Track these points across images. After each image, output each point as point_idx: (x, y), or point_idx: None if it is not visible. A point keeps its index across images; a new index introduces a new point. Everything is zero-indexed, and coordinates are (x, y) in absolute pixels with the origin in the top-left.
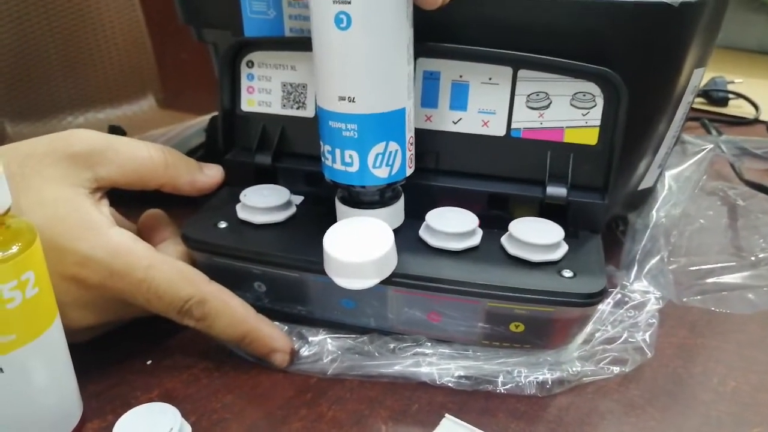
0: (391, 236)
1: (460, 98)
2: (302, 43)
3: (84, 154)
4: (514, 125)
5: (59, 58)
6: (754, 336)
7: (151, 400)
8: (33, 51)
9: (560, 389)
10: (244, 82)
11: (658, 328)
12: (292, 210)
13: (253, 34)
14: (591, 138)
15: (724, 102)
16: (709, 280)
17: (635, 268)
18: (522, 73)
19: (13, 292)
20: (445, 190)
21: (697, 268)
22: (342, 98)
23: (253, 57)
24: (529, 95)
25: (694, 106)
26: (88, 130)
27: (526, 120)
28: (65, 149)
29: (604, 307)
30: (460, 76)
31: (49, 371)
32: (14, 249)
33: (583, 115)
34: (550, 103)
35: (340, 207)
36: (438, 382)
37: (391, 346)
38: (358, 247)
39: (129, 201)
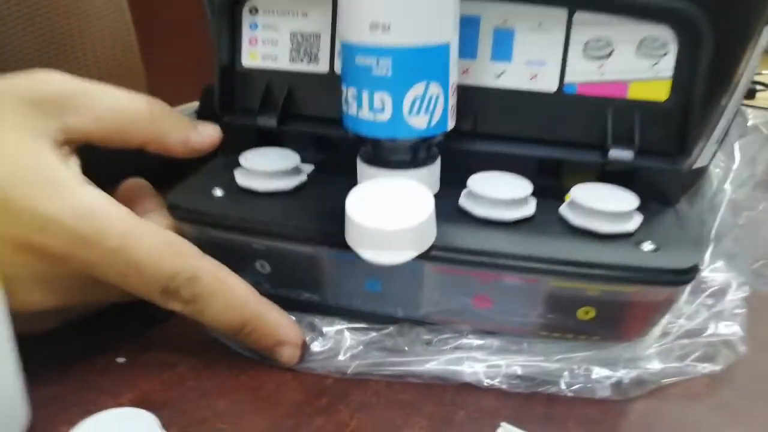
0: (431, 200)
1: (503, 47)
2: None
3: (52, 100)
4: (568, 79)
5: (41, 60)
6: None
7: (121, 406)
8: (13, 51)
9: (639, 392)
10: (246, 33)
11: (747, 319)
12: (303, 177)
13: None
14: (661, 93)
15: (751, 94)
16: None
17: (710, 249)
18: (578, 16)
19: None
20: (485, 156)
21: None
22: (374, 26)
23: (257, 2)
24: (586, 43)
25: None
26: (58, 72)
27: (582, 72)
28: (29, 92)
29: None
30: (504, 21)
31: None
32: None
33: (653, 65)
34: (612, 51)
35: (363, 169)
36: (485, 384)
37: (426, 338)
38: (390, 212)
39: (103, 176)
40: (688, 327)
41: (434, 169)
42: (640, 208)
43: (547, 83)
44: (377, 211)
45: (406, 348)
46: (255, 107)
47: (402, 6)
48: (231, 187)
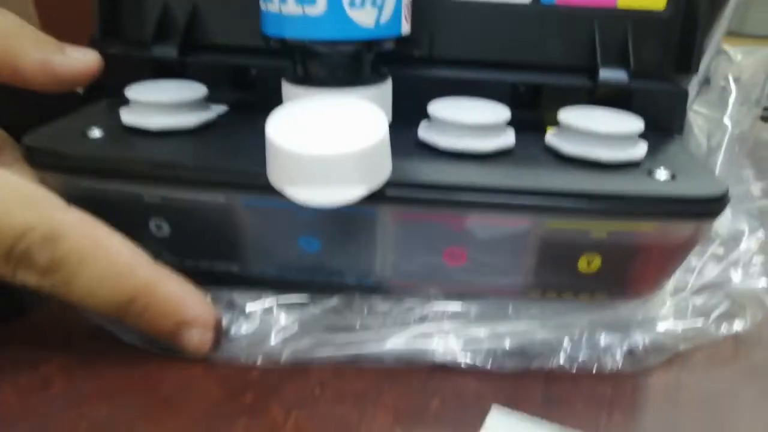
0: (383, 119)
1: None
2: None
3: None
4: None
5: None
6: None
7: None
8: None
9: (658, 360)
10: None
11: None
12: (210, 114)
13: None
14: (657, 1)
15: None
16: None
17: None
18: None
19: None
20: (445, 84)
21: None
22: None
23: None
24: None
25: None
26: None
27: None
28: None
29: None
30: None
31: None
32: None
33: None
34: None
35: (290, 91)
36: (463, 363)
37: (382, 308)
38: (328, 135)
39: None
40: (704, 280)
41: (385, 91)
42: (641, 135)
43: None
44: (311, 134)
45: (357, 324)
46: (149, 35)
47: None
48: (114, 126)
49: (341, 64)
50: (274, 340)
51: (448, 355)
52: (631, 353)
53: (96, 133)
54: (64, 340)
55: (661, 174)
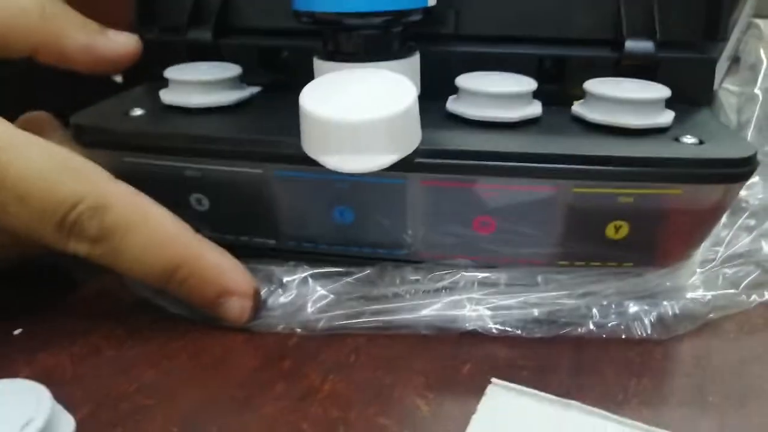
0: (412, 88)
1: None
2: None
3: None
4: None
5: None
6: None
7: None
8: None
9: (687, 328)
10: None
11: None
12: (245, 93)
13: None
14: None
15: None
16: None
17: None
18: None
19: None
20: (471, 59)
21: None
22: None
23: None
24: None
25: None
26: None
27: None
28: None
29: None
30: None
31: None
32: None
33: None
34: None
35: (321, 67)
36: (494, 330)
37: (414, 278)
38: (359, 103)
39: None
40: (733, 250)
41: (413, 65)
42: (668, 107)
43: None
44: (342, 103)
45: (390, 294)
46: (184, 19)
47: None
48: (155, 106)
49: (370, 37)
50: (310, 310)
51: (479, 322)
52: (660, 321)
53: (138, 112)
54: (114, 312)
55: (688, 139)
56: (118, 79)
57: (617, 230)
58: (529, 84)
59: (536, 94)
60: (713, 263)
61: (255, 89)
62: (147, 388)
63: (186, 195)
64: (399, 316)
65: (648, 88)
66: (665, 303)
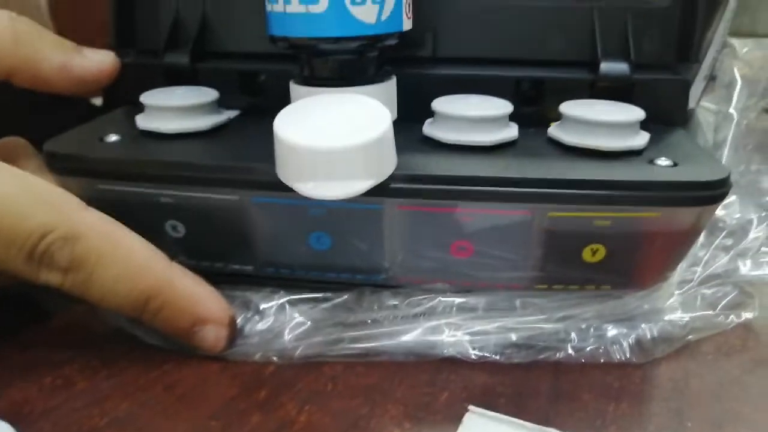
0: (386, 114)
1: None
2: None
3: None
4: None
5: None
6: None
7: None
8: None
9: (666, 351)
10: None
11: None
12: (222, 117)
13: None
14: None
15: None
16: None
17: None
18: None
19: None
20: (449, 82)
21: None
22: None
23: None
24: None
25: None
26: None
27: None
28: None
29: None
30: None
31: None
32: None
33: None
34: None
35: (297, 92)
36: (473, 356)
37: (392, 303)
38: (334, 129)
39: None
40: (711, 271)
41: (389, 89)
42: (643, 128)
43: None
44: (317, 130)
45: (369, 320)
46: (161, 43)
47: None
48: (130, 132)
49: (345, 61)
50: (287, 337)
51: (458, 347)
52: (639, 344)
53: (113, 138)
54: (88, 342)
55: (663, 161)
56: (97, 101)
57: (594, 253)
58: (505, 107)
59: (514, 116)
60: (691, 284)
61: (232, 113)
62: (120, 422)
63: (161, 222)
64: (377, 343)
65: (623, 110)
66: (643, 326)
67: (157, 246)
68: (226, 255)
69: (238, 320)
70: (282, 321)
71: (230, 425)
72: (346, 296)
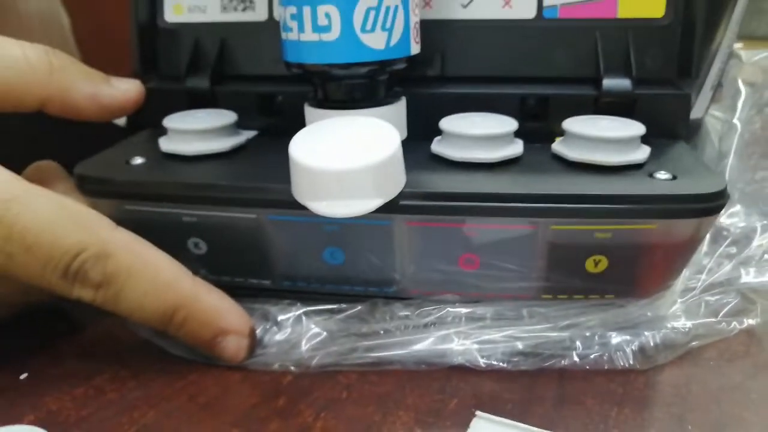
0: (396, 135)
1: None
2: None
3: None
4: (547, 2)
5: None
6: None
7: None
8: None
9: (669, 357)
10: None
11: None
12: (241, 138)
13: None
14: (656, 9)
15: None
16: None
17: None
18: None
19: None
20: (457, 100)
21: None
22: None
23: None
24: None
25: None
26: None
27: None
28: None
29: None
30: None
31: None
32: None
33: None
34: None
35: (312, 114)
36: (482, 364)
37: (404, 314)
38: (345, 151)
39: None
40: (714, 278)
41: (399, 110)
42: (645, 142)
43: (524, 9)
44: (329, 152)
45: (382, 330)
46: (182, 68)
47: None
48: (154, 154)
49: (357, 85)
50: (304, 347)
51: (466, 356)
52: (642, 351)
53: (138, 160)
54: (116, 355)
55: (662, 175)
56: (122, 122)
57: (596, 264)
58: (510, 125)
59: (521, 132)
60: (694, 292)
61: (251, 133)
62: (147, 430)
63: (184, 239)
64: (390, 352)
65: (624, 125)
66: (647, 333)
67: (180, 262)
68: (246, 270)
69: (258, 331)
70: (299, 332)
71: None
72: (359, 307)
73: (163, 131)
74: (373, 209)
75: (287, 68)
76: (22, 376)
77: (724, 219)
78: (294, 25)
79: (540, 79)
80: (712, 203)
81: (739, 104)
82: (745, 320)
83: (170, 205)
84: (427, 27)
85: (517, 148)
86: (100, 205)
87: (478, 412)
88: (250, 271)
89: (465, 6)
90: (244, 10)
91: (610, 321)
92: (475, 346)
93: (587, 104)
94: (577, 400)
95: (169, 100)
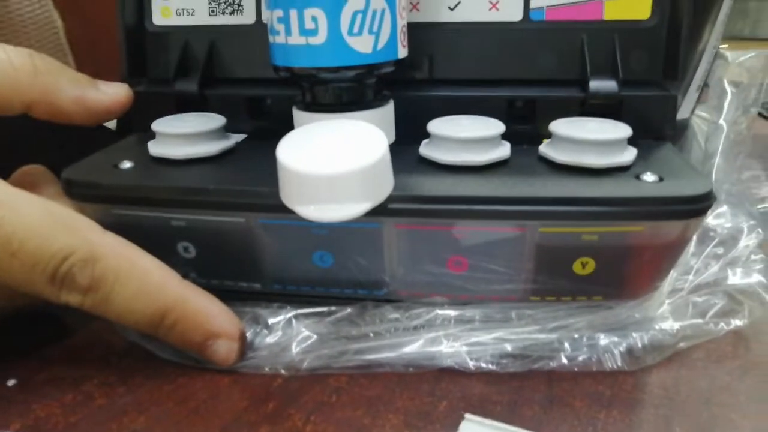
0: (383, 138)
1: None
2: None
3: None
4: (534, 4)
5: None
6: None
7: None
8: None
9: (657, 359)
10: None
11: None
12: (230, 142)
13: None
14: (641, 10)
15: None
16: None
17: None
18: None
19: None
20: (444, 103)
21: None
22: None
23: None
24: None
25: None
26: None
27: None
28: None
29: None
30: None
31: None
32: None
33: None
34: None
35: (299, 118)
36: (471, 366)
37: (393, 317)
38: (333, 155)
39: None
40: (702, 279)
41: (387, 113)
42: (632, 144)
43: (510, 11)
44: (317, 156)
45: (371, 333)
46: (171, 72)
47: None
48: (143, 158)
49: (344, 89)
50: (294, 351)
51: (455, 358)
52: (630, 352)
53: (126, 164)
54: (105, 360)
55: (648, 177)
56: (112, 125)
57: (584, 266)
58: (497, 127)
59: (508, 134)
60: (682, 293)
61: (239, 137)
62: None
63: (173, 243)
64: (380, 355)
65: (611, 127)
66: (635, 335)
67: (170, 266)
68: (236, 273)
69: (248, 334)
70: (289, 335)
71: None
72: (349, 310)
73: (152, 135)
74: (362, 213)
75: (275, 71)
76: (10, 383)
77: (710, 219)
78: (281, 28)
79: (527, 81)
80: (698, 205)
81: (725, 105)
82: (732, 321)
83: (159, 210)
84: (415, 30)
85: (504, 150)
86: (88, 209)
87: (467, 415)
88: (240, 275)
89: (452, 9)
90: (232, 13)
91: (598, 323)
92: (464, 348)
93: (574, 106)
94: (565, 401)
95: (157, 103)
